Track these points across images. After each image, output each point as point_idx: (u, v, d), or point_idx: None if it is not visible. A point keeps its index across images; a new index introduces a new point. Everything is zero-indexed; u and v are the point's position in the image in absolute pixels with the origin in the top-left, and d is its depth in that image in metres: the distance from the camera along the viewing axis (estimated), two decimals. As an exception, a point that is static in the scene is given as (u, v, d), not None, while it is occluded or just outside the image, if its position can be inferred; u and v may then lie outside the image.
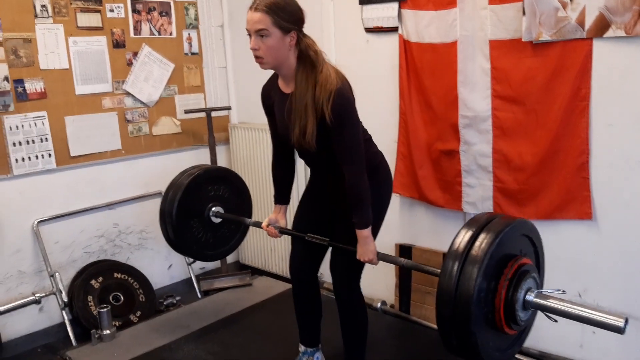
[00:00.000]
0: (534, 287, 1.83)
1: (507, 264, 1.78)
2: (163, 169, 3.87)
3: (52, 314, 3.39)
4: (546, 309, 1.81)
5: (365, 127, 3.33)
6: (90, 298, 3.42)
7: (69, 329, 3.28)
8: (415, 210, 3.27)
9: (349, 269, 2.42)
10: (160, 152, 3.84)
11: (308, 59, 2.15)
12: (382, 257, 2.30)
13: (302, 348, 2.64)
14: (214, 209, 2.99)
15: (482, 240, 1.73)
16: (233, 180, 3.16)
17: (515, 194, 2.77)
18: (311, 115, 2.11)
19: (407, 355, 2.88)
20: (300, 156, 2.41)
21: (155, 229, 3.86)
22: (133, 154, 3.71)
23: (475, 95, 2.81)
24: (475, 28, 2.74)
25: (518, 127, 2.71)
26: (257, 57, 2.15)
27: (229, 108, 4.05)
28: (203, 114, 3.86)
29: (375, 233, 2.36)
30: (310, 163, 2.42)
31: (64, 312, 3.29)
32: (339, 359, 2.60)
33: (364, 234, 2.24)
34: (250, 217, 3.19)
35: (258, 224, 2.71)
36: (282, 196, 2.60)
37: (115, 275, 3.59)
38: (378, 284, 3.52)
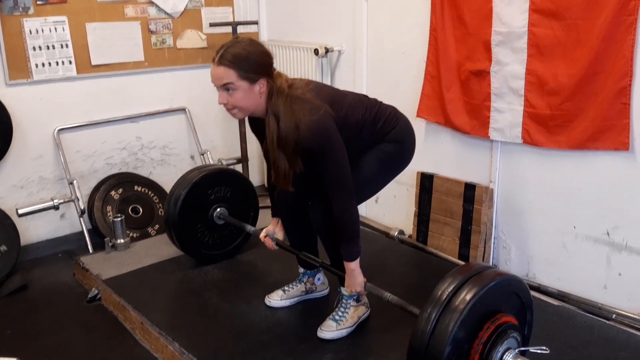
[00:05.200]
0: (514, 347, 1.71)
1: (489, 319, 1.67)
2: (187, 85, 3.80)
3: (73, 221, 3.45)
4: None
5: (394, 45, 3.14)
6: (109, 208, 3.45)
7: (86, 236, 3.33)
8: (440, 137, 3.07)
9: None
10: (184, 67, 3.75)
11: (278, 100, 2.02)
12: (368, 288, 2.19)
13: (301, 269, 2.57)
14: (218, 210, 2.94)
15: (466, 292, 1.64)
16: (234, 179, 3.06)
17: (546, 120, 2.53)
18: (285, 155, 2.03)
19: (417, 285, 2.76)
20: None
21: (178, 146, 3.86)
22: (156, 66, 3.63)
23: (511, 8, 2.53)
24: None
25: (556, 45, 2.43)
26: (228, 110, 2.06)
27: (255, 23, 3.88)
28: (230, 29, 3.71)
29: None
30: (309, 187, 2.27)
31: (81, 219, 3.33)
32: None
33: (351, 266, 2.15)
34: (256, 211, 3.14)
35: (257, 233, 2.68)
36: (278, 211, 2.52)
37: (136, 188, 3.60)
38: (398, 212, 3.39)
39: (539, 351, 1.73)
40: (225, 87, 1.99)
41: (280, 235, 2.55)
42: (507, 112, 2.66)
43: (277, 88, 2.03)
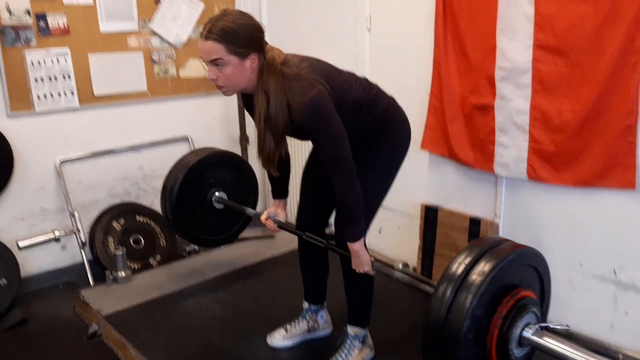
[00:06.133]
0: (534, 322, 1.67)
1: (507, 294, 1.63)
2: (190, 114, 3.79)
3: (74, 252, 3.42)
4: (541, 349, 1.65)
5: (398, 78, 3.13)
6: (110, 239, 3.42)
7: (87, 268, 3.30)
8: (444, 169, 3.05)
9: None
10: (187, 96, 3.74)
11: (269, 78, 1.93)
12: (377, 267, 2.13)
13: (305, 305, 2.53)
14: (217, 194, 2.87)
15: (483, 266, 1.59)
16: (239, 166, 3.03)
17: (552, 156, 2.50)
18: (272, 135, 1.96)
19: (417, 319, 2.72)
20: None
21: (180, 174, 3.82)
22: (159, 96, 3.62)
23: (515, 44, 2.52)
24: (520, -33, 2.43)
25: (560, 81, 2.41)
26: (218, 87, 1.97)
27: (258, 52, 3.87)
28: (232, 58, 3.71)
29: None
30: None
31: (82, 251, 3.31)
32: (345, 318, 2.47)
33: (355, 247, 2.08)
34: (254, 205, 3.08)
35: (258, 215, 2.60)
36: (279, 191, 2.47)
37: (138, 218, 3.57)
38: (402, 245, 3.36)
39: (559, 327, 1.68)
40: (214, 63, 1.89)
41: (282, 216, 2.46)
42: (512, 147, 2.64)
43: (268, 64, 1.93)
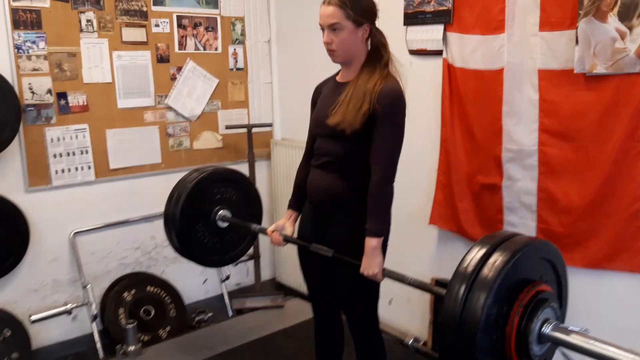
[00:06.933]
0: (553, 318, 1.58)
1: (523, 289, 1.54)
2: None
3: (85, 323, 3.43)
4: (564, 344, 1.54)
5: (406, 152, 3.20)
6: (121, 311, 3.44)
7: (97, 340, 3.31)
8: (453, 244, 3.08)
9: (358, 308, 2.27)
10: (200, 166, 3.82)
11: (378, 53, 2.14)
12: (387, 273, 2.10)
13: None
14: (220, 212, 2.83)
15: (496, 260, 1.51)
16: (243, 184, 2.99)
17: (560, 237, 2.53)
18: (367, 102, 2.07)
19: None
20: (318, 146, 2.26)
21: (191, 244, 3.86)
22: (173, 167, 3.70)
23: (521, 127, 2.60)
24: (524, 56, 2.53)
25: (566, 165, 2.47)
26: (329, 51, 2.15)
27: (269, 125, 3.99)
28: (245, 129, 3.82)
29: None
30: (325, 152, 2.22)
31: (94, 324, 3.32)
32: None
33: (373, 243, 2.08)
34: (259, 224, 3.02)
35: (263, 230, 2.58)
36: (297, 200, 2.42)
37: (149, 288, 3.60)
38: (412, 316, 3.36)
39: (579, 329, 1.55)
40: (332, 27, 2.08)
41: (289, 229, 2.40)
42: (520, 226, 2.67)
43: (379, 39, 2.13)
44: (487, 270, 1.49)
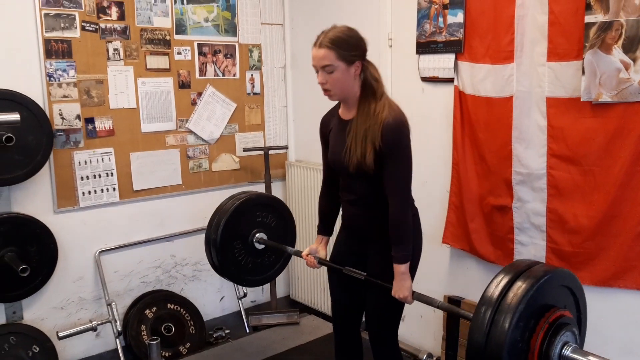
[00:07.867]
0: (572, 341, 1.70)
1: (545, 314, 1.68)
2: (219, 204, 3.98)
3: (108, 339, 3.55)
4: None
5: (418, 173, 3.33)
6: (143, 327, 3.55)
7: (121, 356, 3.42)
8: (465, 262, 3.20)
9: (383, 326, 2.40)
10: (218, 187, 3.97)
11: (370, 87, 2.24)
12: (417, 296, 2.25)
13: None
14: (257, 235, 2.99)
15: (519, 286, 1.64)
16: (280, 210, 3.14)
17: (569, 256, 2.65)
18: (370, 141, 2.17)
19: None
20: (345, 185, 2.40)
21: (209, 262, 3.99)
22: (192, 189, 3.85)
23: (530, 152, 2.73)
24: (532, 84, 2.67)
25: (574, 187, 2.60)
26: (325, 90, 2.26)
27: (285, 147, 4.14)
28: (261, 151, 3.96)
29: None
30: (353, 191, 2.38)
31: (118, 340, 3.43)
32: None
33: (401, 269, 2.22)
34: (293, 241, 3.17)
35: (298, 253, 2.74)
36: (325, 227, 2.62)
37: (169, 305, 3.71)
38: (426, 334, 3.46)
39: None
40: (325, 69, 2.18)
41: (322, 253, 2.58)
42: (531, 245, 2.80)
43: (371, 72, 2.23)
44: (512, 296, 1.63)
